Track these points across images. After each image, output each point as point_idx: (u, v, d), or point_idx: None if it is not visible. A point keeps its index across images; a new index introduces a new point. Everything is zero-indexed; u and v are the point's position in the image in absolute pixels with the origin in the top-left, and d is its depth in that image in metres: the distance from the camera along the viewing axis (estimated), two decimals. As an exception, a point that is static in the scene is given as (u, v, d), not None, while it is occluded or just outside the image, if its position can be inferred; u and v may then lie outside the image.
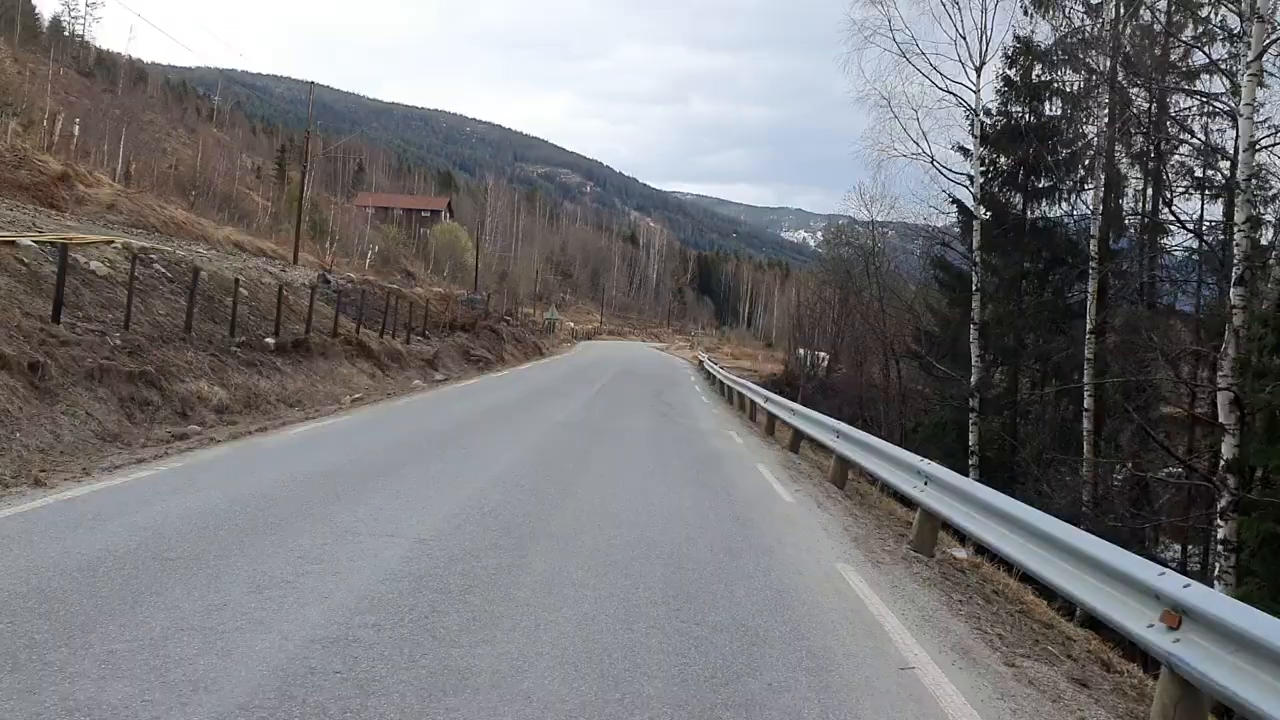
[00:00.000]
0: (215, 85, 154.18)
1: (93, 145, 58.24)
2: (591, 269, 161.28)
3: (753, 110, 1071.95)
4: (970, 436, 25.69)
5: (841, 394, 39.39)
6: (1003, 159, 31.28)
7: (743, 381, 22.73)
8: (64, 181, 32.68)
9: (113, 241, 16.61)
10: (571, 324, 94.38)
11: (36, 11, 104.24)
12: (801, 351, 48.14)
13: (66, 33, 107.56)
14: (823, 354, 50.45)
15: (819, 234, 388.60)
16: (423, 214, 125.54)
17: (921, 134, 26.90)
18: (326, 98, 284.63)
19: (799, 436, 13.92)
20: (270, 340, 17.79)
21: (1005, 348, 29.22)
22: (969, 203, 28.21)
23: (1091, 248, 24.43)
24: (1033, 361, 29.14)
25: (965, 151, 30.67)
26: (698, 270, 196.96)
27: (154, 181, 51.65)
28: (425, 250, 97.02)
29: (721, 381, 29.76)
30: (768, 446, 14.45)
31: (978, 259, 26.10)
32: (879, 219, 38.48)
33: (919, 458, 8.32)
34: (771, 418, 16.39)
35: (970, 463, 25.52)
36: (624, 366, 38.74)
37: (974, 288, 26.04)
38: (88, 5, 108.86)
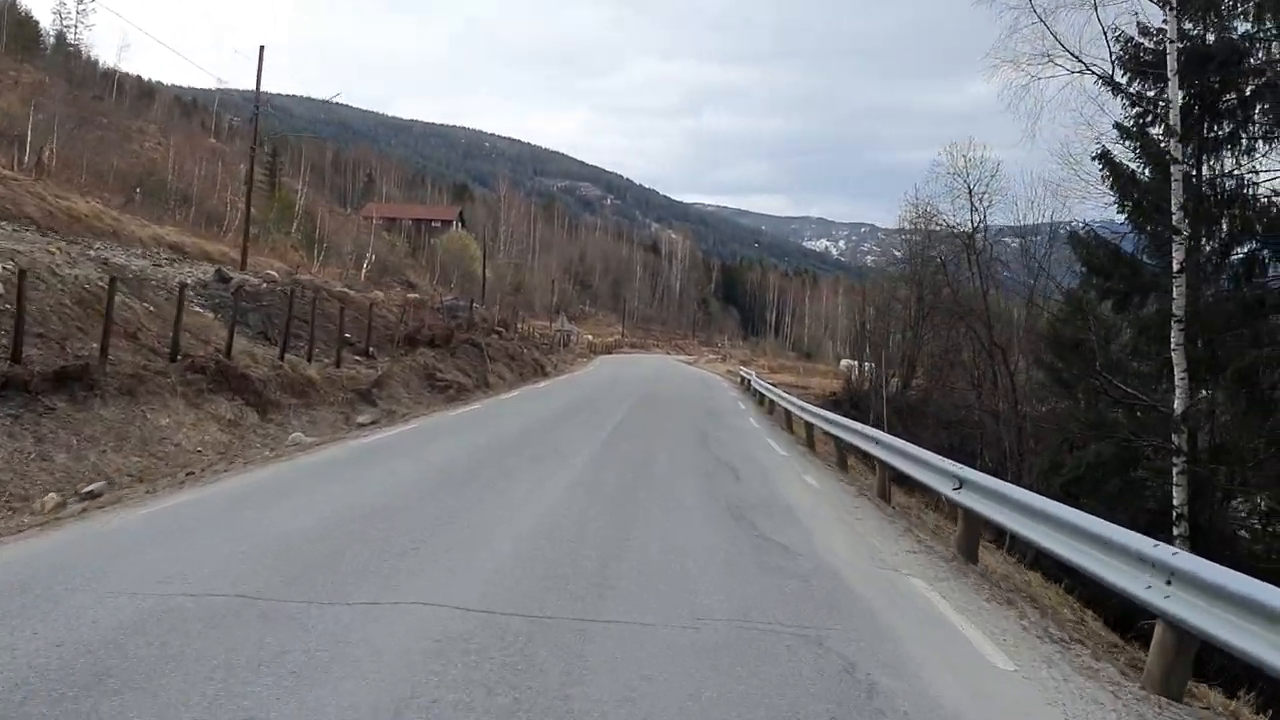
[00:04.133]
0: (235, 106, 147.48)
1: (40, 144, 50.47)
2: (612, 279, 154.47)
3: (769, 122, 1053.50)
4: (1175, 493, 16.85)
5: (928, 418, 30.57)
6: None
7: (896, 444, 12.23)
8: (-108, 159, 24.62)
9: None
10: (590, 336, 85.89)
11: (41, 26, 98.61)
12: (868, 365, 39.03)
13: (72, 49, 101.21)
14: (869, 366, 41.38)
15: (841, 242, 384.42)
16: (433, 224, 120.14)
17: (1103, 31, 18.36)
18: (346, 116, 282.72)
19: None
20: (-29, 373, 9.29)
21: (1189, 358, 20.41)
22: (1149, 149, 19.55)
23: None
24: (1228, 378, 20.20)
25: (1114, 87, 22.59)
26: (722, 280, 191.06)
27: (84, 175, 43.63)
28: (433, 261, 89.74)
29: (788, 411, 21.08)
30: (1030, 636, 5.64)
31: (1182, 223, 17.25)
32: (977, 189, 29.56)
33: None
34: (978, 527, 7.59)
35: (1176, 532, 16.72)
36: (649, 390, 29.73)
37: (1175, 268, 17.21)
38: (79, 13, 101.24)
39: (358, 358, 21.37)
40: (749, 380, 33.06)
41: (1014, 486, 7.28)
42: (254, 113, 38.84)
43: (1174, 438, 17.02)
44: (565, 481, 10.00)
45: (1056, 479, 23.35)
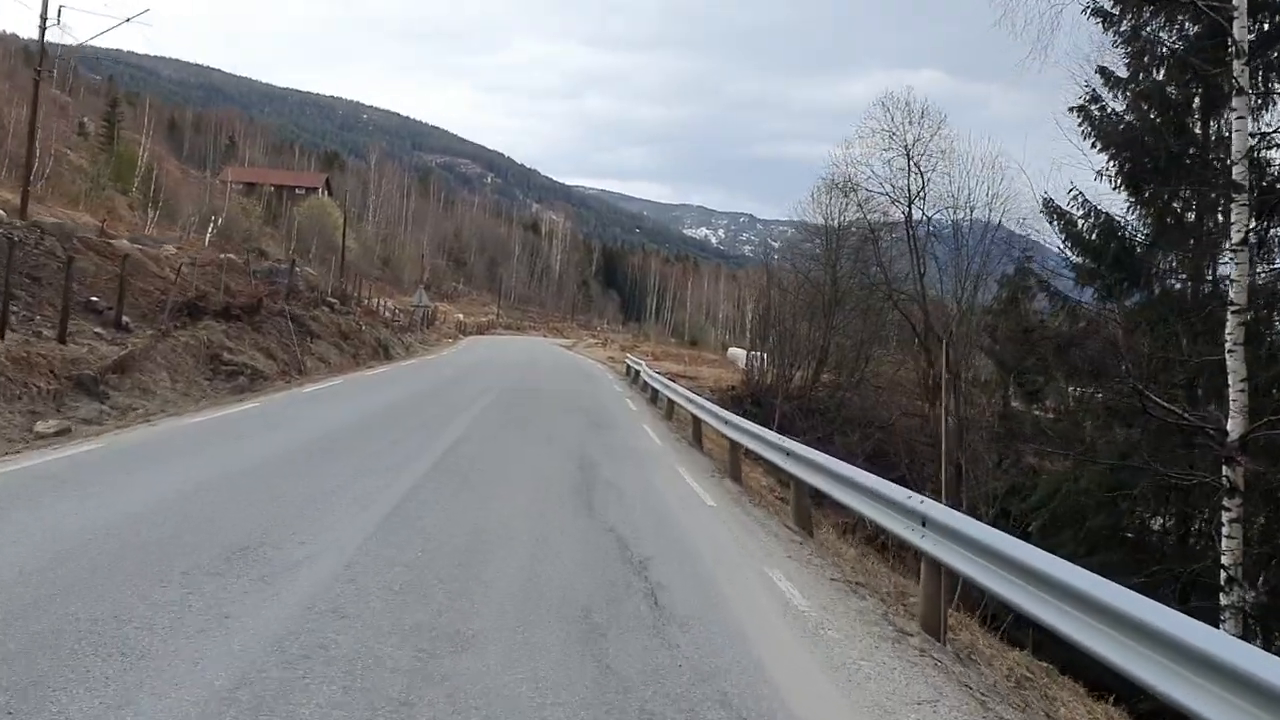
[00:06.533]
0: (95, 64, 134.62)
1: None
2: (489, 258, 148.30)
3: (649, 109, 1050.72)
4: (1226, 546, 12.28)
5: (847, 421, 25.92)
6: (1164, 35, 19.13)
7: (992, 540, 6.29)
8: None
9: None
10: (460, 315, 79.42)
11: None
12: (763, 356, 34.09)
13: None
14: (765, 356, 36.53)
15: (720, 231, 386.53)
16: (297, 191, 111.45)
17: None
18: (217, 81, 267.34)
19: None
20: None
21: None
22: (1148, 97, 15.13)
23: None
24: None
25: (1105, 15, 19.09)
26: (603, 263, 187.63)
27: None
28: (292, 229, 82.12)
29: (696, 418, 15.93)
30: None
31: (1243, 167, 12.61)
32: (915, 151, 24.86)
33: None
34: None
35: (1225, 601, 12.23)
36: (515, 381, 24.00)
37: (1236, 238, 12.56)
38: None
39: (101, 330, 15.24)
40: (639, 371, 27.80)
41: None
42: (40, 24, 31.53)
43: (1226, 471, 12.43)
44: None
45: (1018, 509, 18.96)
